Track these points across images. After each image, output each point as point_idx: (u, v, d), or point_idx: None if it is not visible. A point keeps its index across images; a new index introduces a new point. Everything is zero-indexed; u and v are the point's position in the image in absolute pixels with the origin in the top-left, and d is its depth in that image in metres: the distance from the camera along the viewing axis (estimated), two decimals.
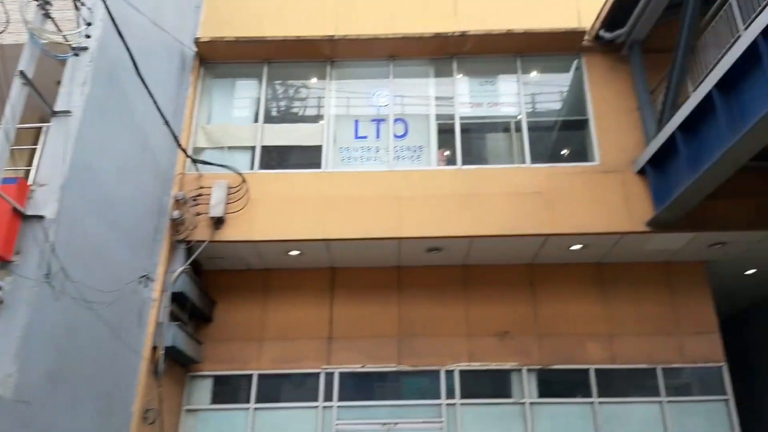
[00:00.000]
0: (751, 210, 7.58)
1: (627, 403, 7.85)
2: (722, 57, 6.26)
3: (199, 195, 8.10)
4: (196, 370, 8.13)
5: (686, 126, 7.02)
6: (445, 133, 8.69)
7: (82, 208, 5.89)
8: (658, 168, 7.71)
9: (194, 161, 8.29)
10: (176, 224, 7.86)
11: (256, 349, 8.15)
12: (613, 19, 8.22)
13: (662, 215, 7.57)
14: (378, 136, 8.74)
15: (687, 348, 8.13)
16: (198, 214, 7.95)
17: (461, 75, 8.97)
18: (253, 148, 8.58)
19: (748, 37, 5.85)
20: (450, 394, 7.87)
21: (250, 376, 8.06)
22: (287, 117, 9.08)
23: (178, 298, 7.60)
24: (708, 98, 6.53)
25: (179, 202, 7.98)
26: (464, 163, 8.39)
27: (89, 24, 5.67)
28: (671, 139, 7.30)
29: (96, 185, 6.14)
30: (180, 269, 7.59)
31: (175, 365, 7.73)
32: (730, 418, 7.84)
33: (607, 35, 8.39)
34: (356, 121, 8.96)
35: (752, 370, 10.05)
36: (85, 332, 5.88)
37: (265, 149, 8.69)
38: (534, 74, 9.03)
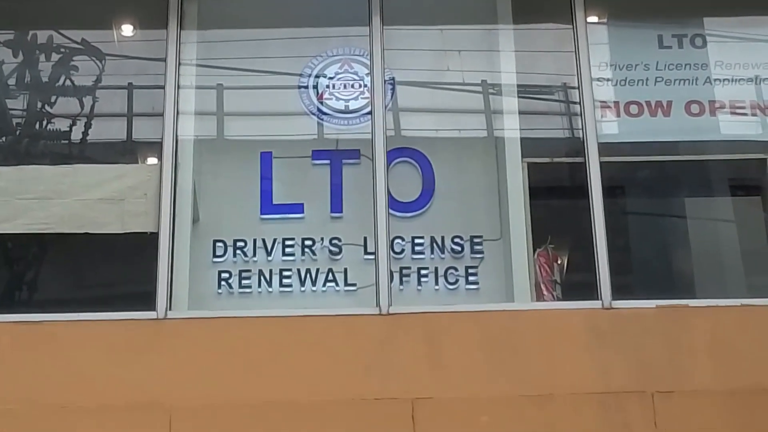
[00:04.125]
0: None
1: None
2: None
3: None
4: None
5: None
6: (545, 195, 7.97)
7: None
8: None
9: None
10: None
11: None
12: None
13: None
14: (337, 207, 7.53)
15: None
16: None
17: (597, 17, 7.98)
18: None
19: None
20: None
21: None
22: (37, 144, 8.00)
23: None
24: None
25: None
26: (618, 293, 6.99)
27: None
28: None
29: None
30: None
31: None
32: None
33: None
34: (264, 156, 7.66)
35: None
36: None
37: None
38: None
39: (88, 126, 7.76)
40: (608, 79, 7.81)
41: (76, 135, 7.81)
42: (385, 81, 7.62)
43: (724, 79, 7.85)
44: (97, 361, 6.65)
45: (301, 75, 7.86)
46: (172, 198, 7.17)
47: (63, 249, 7.61)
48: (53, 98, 7.93)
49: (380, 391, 6.52)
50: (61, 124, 7.90)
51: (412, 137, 7.77)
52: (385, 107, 7.56)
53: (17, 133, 8.14)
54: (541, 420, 6.60)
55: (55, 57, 7.98)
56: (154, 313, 6.77)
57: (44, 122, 7.99)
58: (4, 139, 8.10)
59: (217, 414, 6.61)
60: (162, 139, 7.32)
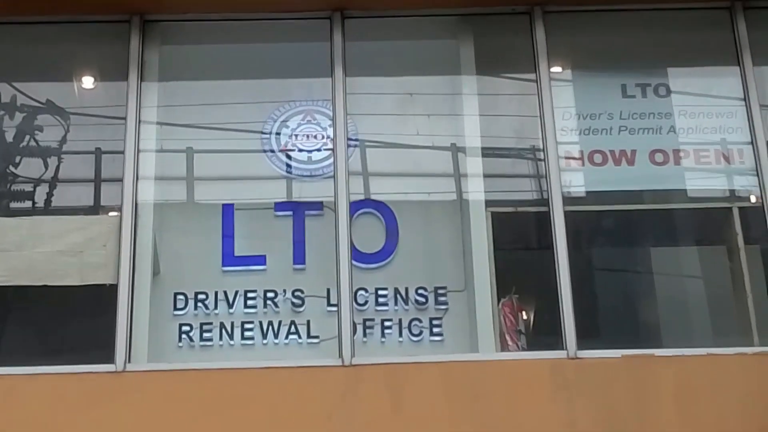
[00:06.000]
0: None
1: None
2: None
3: None
4: None
5: None
6: (509, 245, 7.83)
7: None
8: None
9: None
10: None
11: None
12: None
13: None
14: (300, 258, 7.40)
15: None
16: None
17: (561, 67, 7.94)
18: None
19: None
20: None
21: None
22: None
23: None
24: None
25: None
26: (583, 343, 6.89)
27: None
28: None
29: None
30: None
31: None
32: None
33: None
34: (226, 208, 7.58)
35: None
36: None
37: None
38: None
39: (53, 186, 7.63)
40: (572, 129, 7.74)
41: (40, 196, 7.65)
42: (348, 137, 7.55)
43: (688, 128, 7.81)
44: (56, 415, 6.50)
45: (263, 127, 7.74)
46: (131, 250, 7.10)
47: (22, 301, 7.45)
48: (17, 159, 7.84)
49: None
50: (25, 185, 7.77)
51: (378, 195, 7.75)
52: (347, 159, 7.47)
53: None
54: None
55: (18, 117, 7.89)
56: (112, 365, 6.66)
57: (8, 182, 7.84)
58: None
59: None
60: (122, 189, 7.24)
